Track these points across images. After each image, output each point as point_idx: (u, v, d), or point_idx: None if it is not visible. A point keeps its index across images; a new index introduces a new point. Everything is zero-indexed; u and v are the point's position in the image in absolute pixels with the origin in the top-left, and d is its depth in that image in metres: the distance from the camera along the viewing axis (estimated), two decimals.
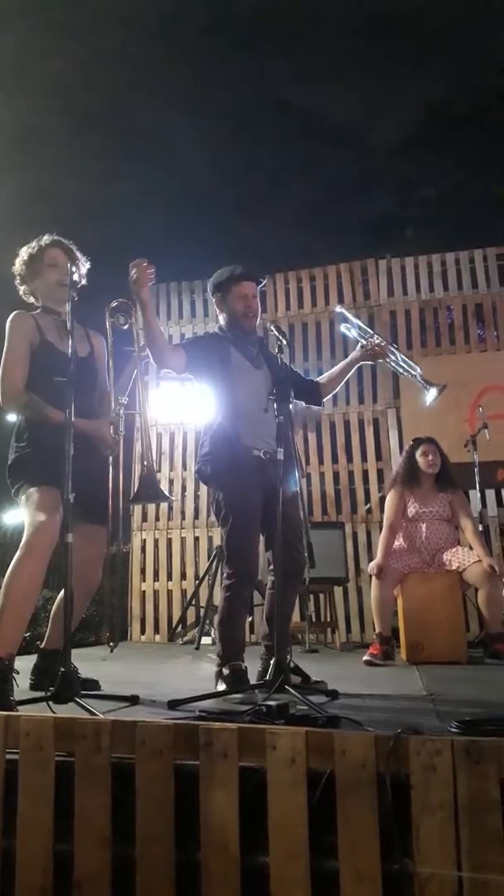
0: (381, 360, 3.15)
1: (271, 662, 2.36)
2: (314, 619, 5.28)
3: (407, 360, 3.33)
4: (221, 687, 2.54)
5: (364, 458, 6.19)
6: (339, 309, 3.61)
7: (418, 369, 3.38)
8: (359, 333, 3.21)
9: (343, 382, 3.10)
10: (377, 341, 3.07)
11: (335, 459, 6.26)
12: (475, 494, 5.26)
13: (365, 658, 3.82)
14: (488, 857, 1.38)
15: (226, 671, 2.57)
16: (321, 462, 6.24)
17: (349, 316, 3.31)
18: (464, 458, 5.09)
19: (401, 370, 3.31)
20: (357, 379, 6.34)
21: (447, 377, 6.34)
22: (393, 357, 3.21)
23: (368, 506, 6.07)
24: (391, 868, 1.44)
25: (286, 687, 2.27)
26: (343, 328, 3.35)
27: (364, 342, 3.07)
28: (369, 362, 3.17)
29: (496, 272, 6.28)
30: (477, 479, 5.04)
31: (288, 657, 2.47)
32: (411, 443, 4.39)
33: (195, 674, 3.60)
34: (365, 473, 6.16)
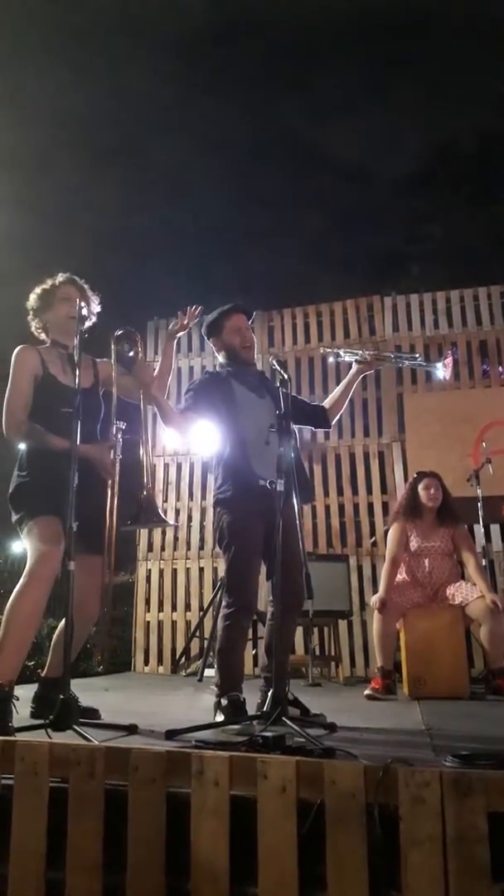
0: (380, 365, 3.23)
1: (269, 694, 2.37)
2: (318, 653, 5.25)
3: (403, 353, 3.41)
4: (219, 718, 2.54)
5: (369, 490, 6.21)
6: (322, 351, 3.64)
7: (418, 356, 3.44)
8: (350, 355, 3.27)
9: (348, 401, 3.15)
10: (369, 352, 3.16)
11: (340, 492, 6.28)
12: (479, 529, 5.26)
13: (366, 692, 3.81)
14: (475, 889, 1.39)
15: (224, 702, 2.58)
16: (326, 494, 6.27)
17: (333, 352, 3.36)
18: (467, 493, 5.11)
19: (403, 362, 3.37)
20: (363, 412, 6.40)
21: (452, 413, 6.45)
22: (390, 357, 3.29)
23: (374, 539, 6.08)
24: None
25: (283, 719, 2.28)
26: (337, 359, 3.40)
27: (358, 358, 3.14)
28: (369, 372, 3.22)
29: (500, 309, 6.36)
30: (480, 513, 5.04)
31: (286, 689, 2.48)
32: (414, 476, 4.42)
33: (196, 705, 3.60)
34: (370, 506, 6.17)
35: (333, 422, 3.14)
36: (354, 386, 3.14)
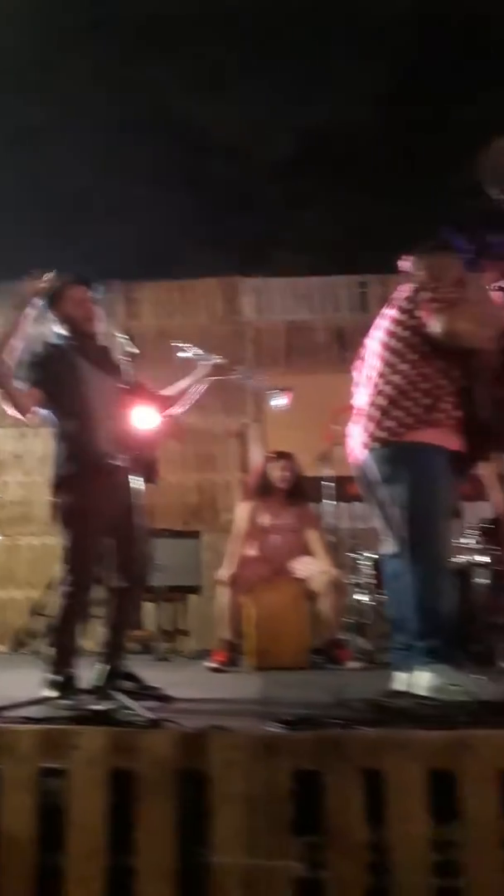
0: (225, 376, 3.26)
1: (101, 668, 2.36)
2: (166, 628, 5.28)
3: (251, 373, 3.47)
4: (50, 693, 2.50)
5: (227, 469, 6.30)
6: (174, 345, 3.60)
7: (265, 381, 3.52)
8: (196, 356, 3.30)
9: (185, 399, 3.18)
10: (212, 362, 3.20)
11: (198, 469, 6.32)
12: (330, 507, 5.48)
13: (209, 665, 3.89)
14: (277, 843, 1.46)
15: (55, 677, 2.54)
16: (183, 471, 6.28)
17: (186, 351, 3.37)
18: (321, 473, 5.31)
19: (249, 381, 3.44)
20: (223, 390, 6.45)
21: (309, 395, 6.65)
22: (237, 373, 3.33)
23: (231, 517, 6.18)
24: (191, 862, 1.49)
25: (115, 692, 2.28)
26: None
27: (203, 362, 3.18)
28: (213, 377, 3.26)
29: (358, 298, 6.61)
30: (330, 493, 5.25)
31: (120, 664, 2.48)
32: (266, 456, 4.53)
33: (32, 682, 3.51)
34: (227, 484, 6.26)
35: (170, 412, 3.15)
36: (193, 388, 3.17)
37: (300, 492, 4.34)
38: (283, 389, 3.48)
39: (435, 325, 2.60)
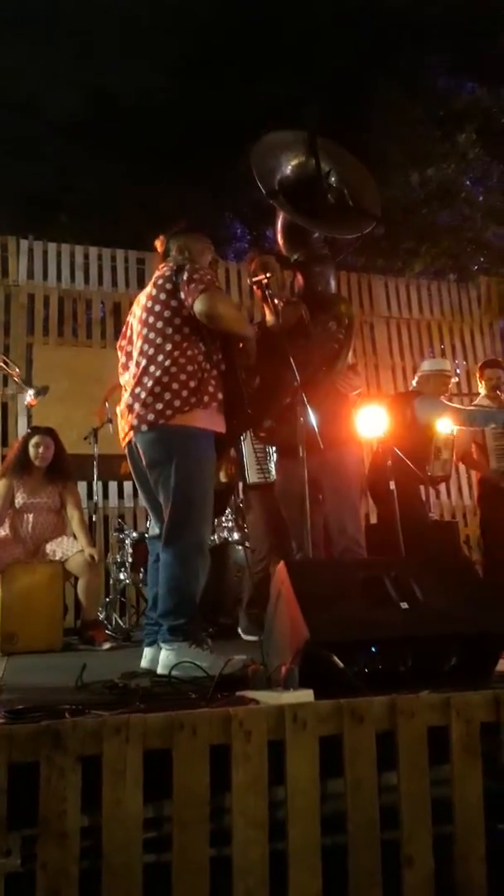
0: None
1: None
2: None
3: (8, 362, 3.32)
4: None
5: None
6: None
7: (16, 370, 3.38)
8: None
9: None
10: None
11: None
12: (96, 486, 5.40)
13: None
14: None
15: None
16: None
17: None
18: (87, 451, 5.20)
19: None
20: None
21: (83, 369, 6.47)
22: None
23: None
24: None
25: None
26: None
27: None
28: None
29: (135, 273, 6.54)
30: (95, 471, 5.18)
31: None
32: (27, 431, 4.33)
33: None
34: None
35: None
36: None
37: (62, 469, 4.20)
38: (41, 390, 3.38)
39: (197, 306, 2.64)
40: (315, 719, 1.52)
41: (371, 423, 3.50)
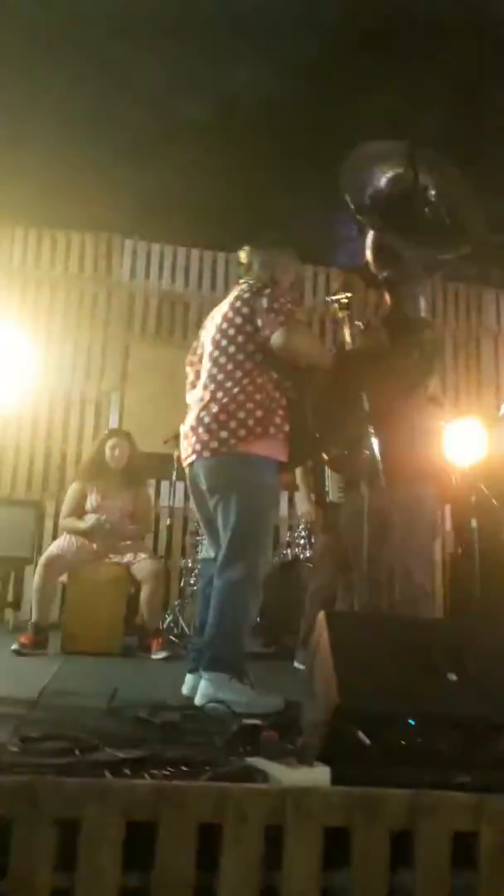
0: None
1: None
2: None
3: None
4: None
5: (81, 439, 6.04)
6: None
7: None
8: None
9: None
10: None
11: (49, 435, 6.03)
12: (172, 488, 5.40)
13: (13, 647, 3.71)
14: None
15: None
16: (33, 436, 5.98)
17: None
18: (172, 451, 5.20)
19: None
20: (87, 355, 6.18)
21: (177, 370, 6.47)
22: None
23: None
24: None
25: None
26: None
27: None
28: None
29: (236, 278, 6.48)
30: (174, 473, 5.16)
31: None
32: (105, 433, 4.37)
33: None
34: (79, 455, 6.01)
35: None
36: None
37: (135, 473, 4.20)
38: None
39: (275, 339, 2.55)
40: (321, 808, 1.37)
41: (466, 444, 3.25)
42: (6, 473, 5.82)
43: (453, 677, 1.86)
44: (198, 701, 2.47)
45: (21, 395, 5.74)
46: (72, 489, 4.15)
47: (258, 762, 1.53)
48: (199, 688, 2.52)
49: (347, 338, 2.89)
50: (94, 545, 4.02)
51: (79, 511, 4.09)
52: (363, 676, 1.81)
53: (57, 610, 4.02)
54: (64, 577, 3.99)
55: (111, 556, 4.03)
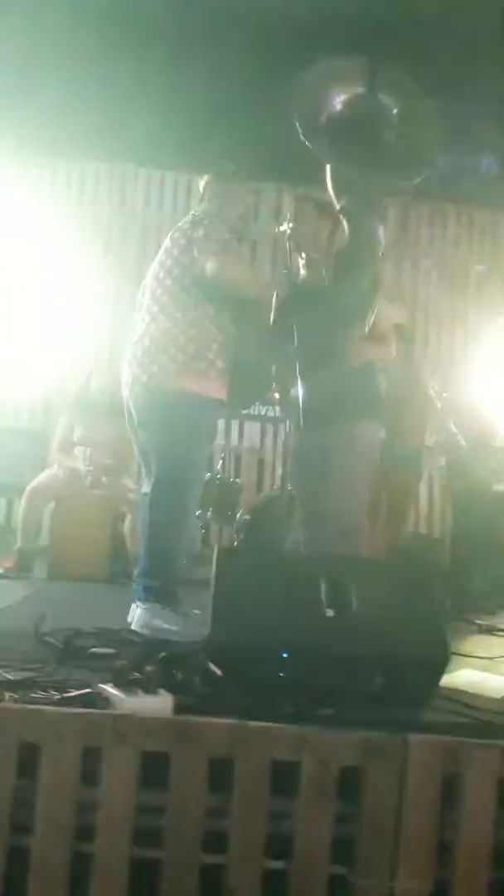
0: None
1: None
2: None
3: None
4: None
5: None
6: None
7: None
8: None
9: None
10: None
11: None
12: None
13: None
14: None
15: None
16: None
17: None
18: None
19: None
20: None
21: None
22: None
23: None
24: None
25: None
26: None
27: None
28: None
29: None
30: None
31: None
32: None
33: None
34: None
35: None
36: None
37: (120, 406, 4.26)
38: None
39: (208, 268, 2.52)
40: (138, 734, 1.45)
41: None
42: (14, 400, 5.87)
43: (330, 613, 1.88)
44: (135, 628, 2.58)
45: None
46: (60, 423, 4.28)
47: (105, 689, 1.62)
48: (136, 616, 2.63)
49: (292, 270, 2.82)
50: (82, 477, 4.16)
51: (66, 444, 4.22)
52: (238, 610, 1.86)
53: (48, 537, 4.19)
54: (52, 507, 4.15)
55: (97, 487, 4.16)
